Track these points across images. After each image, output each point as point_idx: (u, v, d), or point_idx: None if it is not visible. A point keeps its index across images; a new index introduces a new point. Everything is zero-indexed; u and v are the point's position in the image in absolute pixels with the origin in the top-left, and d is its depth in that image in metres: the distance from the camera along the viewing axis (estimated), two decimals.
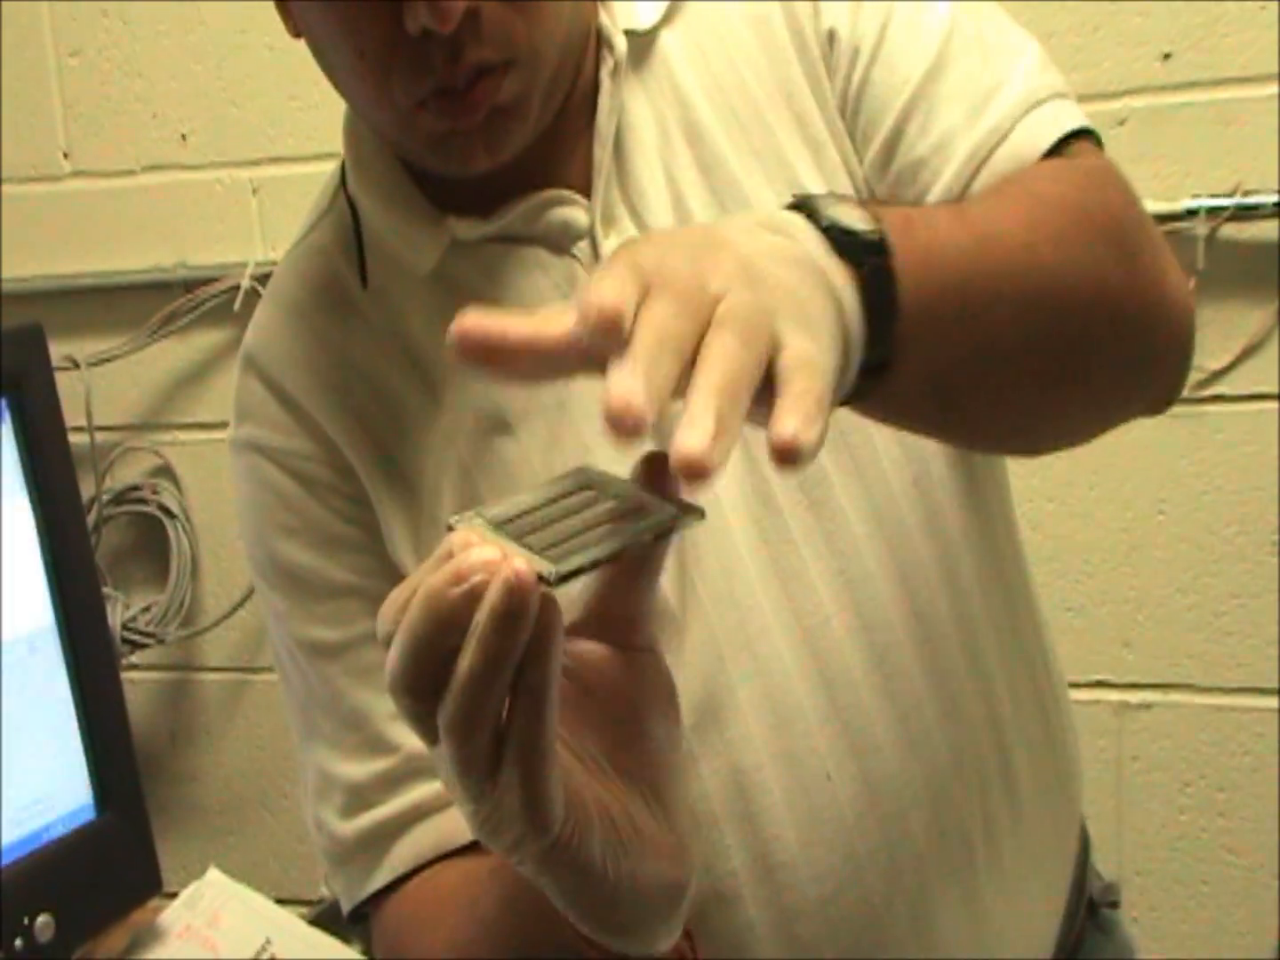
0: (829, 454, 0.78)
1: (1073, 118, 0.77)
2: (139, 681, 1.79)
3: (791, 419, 0.49)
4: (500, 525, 0.52)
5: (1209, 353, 1.38)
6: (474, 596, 0.49)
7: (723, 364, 0.49)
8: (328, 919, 1.34)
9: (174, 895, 1.26)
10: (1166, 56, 1.36)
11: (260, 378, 0.87)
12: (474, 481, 0.82)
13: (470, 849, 0.80)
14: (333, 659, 0.85)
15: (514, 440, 0.81)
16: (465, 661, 0.50)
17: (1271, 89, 1.34)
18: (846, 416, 0.63)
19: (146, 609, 1.76)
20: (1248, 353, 1.39)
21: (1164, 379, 0.75)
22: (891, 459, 0.80)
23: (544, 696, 0.50)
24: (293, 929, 1.25)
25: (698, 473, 0.47)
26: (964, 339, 0.63)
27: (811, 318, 0.53)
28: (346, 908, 0.86)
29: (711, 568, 0.79)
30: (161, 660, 1.79)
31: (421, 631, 0.51)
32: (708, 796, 0.79)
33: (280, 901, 1.27)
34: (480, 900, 0.75)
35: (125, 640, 1.72)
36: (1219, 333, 1.38)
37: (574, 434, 0.80)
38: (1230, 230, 1.36)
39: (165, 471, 1.76)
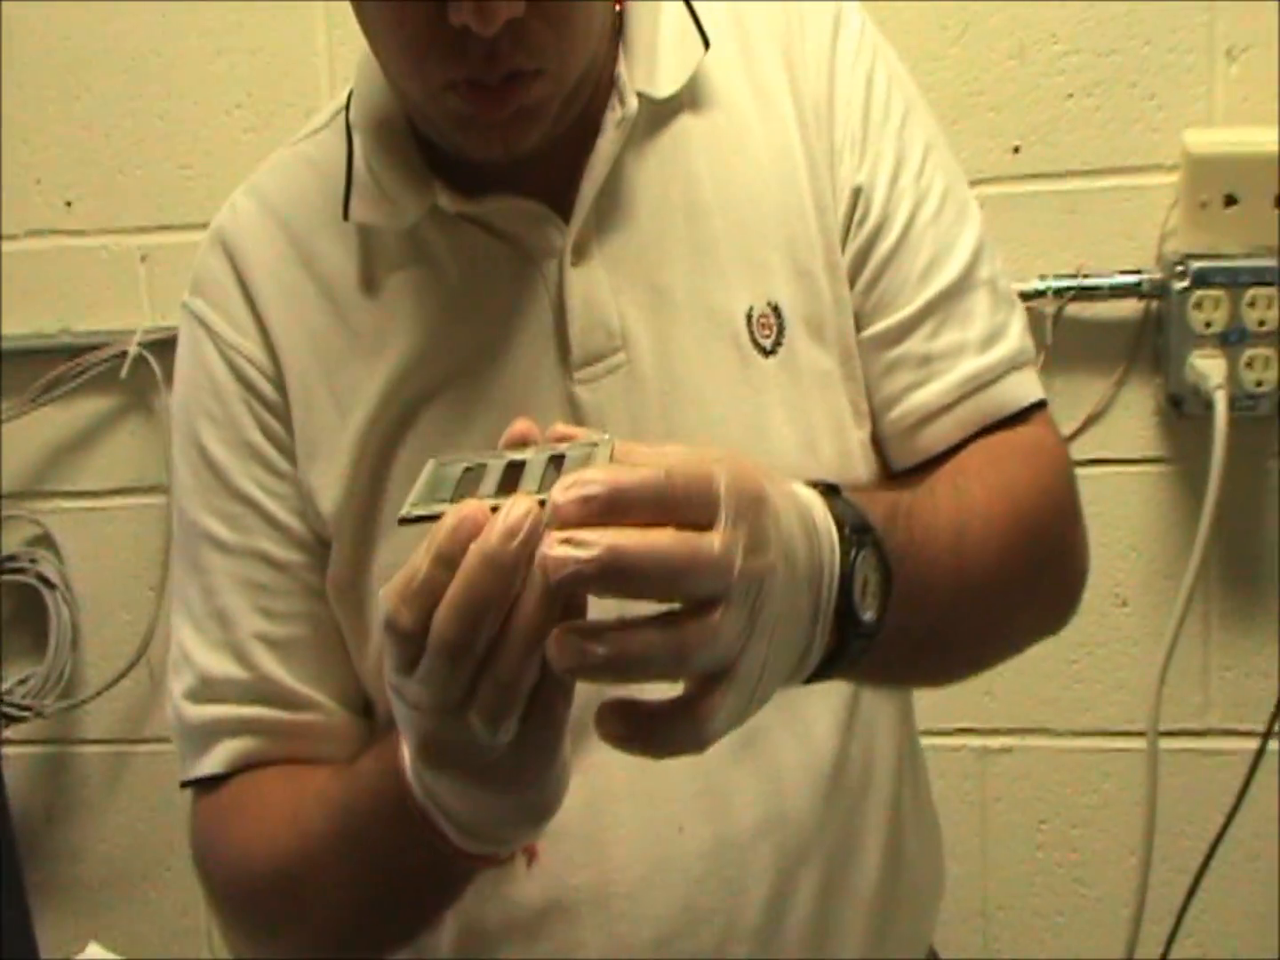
0: None
1: (1038, 388, 0.86)
2: (15, 756, 1.72)
3: (689, 724, 0.56)
4: (440, 465, 0.60)
5: (1058, 422, 1.44)
6: (528, 547, 0.55)
7: (663, 554, 0.54)
8: None
9: None
10: (1016, 149, 1.45)
11: (227, 260, 0.86)
12: (396, 438, 0.82)
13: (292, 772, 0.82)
14: (220, 554, 0.85)
15: (431, 406, 0.81)
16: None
17: (1109, 181, 1.43)
18: None
19: (23, 681, 1.70)
20: (1090, 421, 1.47)
21: (1067, 615, 0.87)
22: None
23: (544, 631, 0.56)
24: None
25: (555, 568, 0.53)
26: (909, 621, 0.70)
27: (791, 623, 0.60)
28: (180, 779, 0.88)
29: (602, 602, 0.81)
30: (39, 734, 1.73)
31: (486, 590, 0.55)
32: (564, 809, 0.80)
33: None
34: (301, 816, 0.77)
35: (1, 714, 1.66)
36: (1065, 403, 1.46)
37: (486, 406, 0.81)
38: (1074, 309, 1.44)
39: (45, 540, 1.71)
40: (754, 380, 0.82)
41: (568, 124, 0.79)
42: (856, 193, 0.83)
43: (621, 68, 0.82)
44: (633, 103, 0.81)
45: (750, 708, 0.59)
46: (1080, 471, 1.44)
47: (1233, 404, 1.36)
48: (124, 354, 1.61)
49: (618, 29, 0.83)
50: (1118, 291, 1.42)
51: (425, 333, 0.82)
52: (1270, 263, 1.36)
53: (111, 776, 1.74)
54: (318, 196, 0.85)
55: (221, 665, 0.85)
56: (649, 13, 0.84)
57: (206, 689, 0.86)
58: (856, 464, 0.84)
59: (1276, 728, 1.44)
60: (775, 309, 0.82)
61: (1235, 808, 1.46)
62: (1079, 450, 1.46)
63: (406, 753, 0.67)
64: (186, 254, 1.60)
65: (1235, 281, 1.36)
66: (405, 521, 0.58)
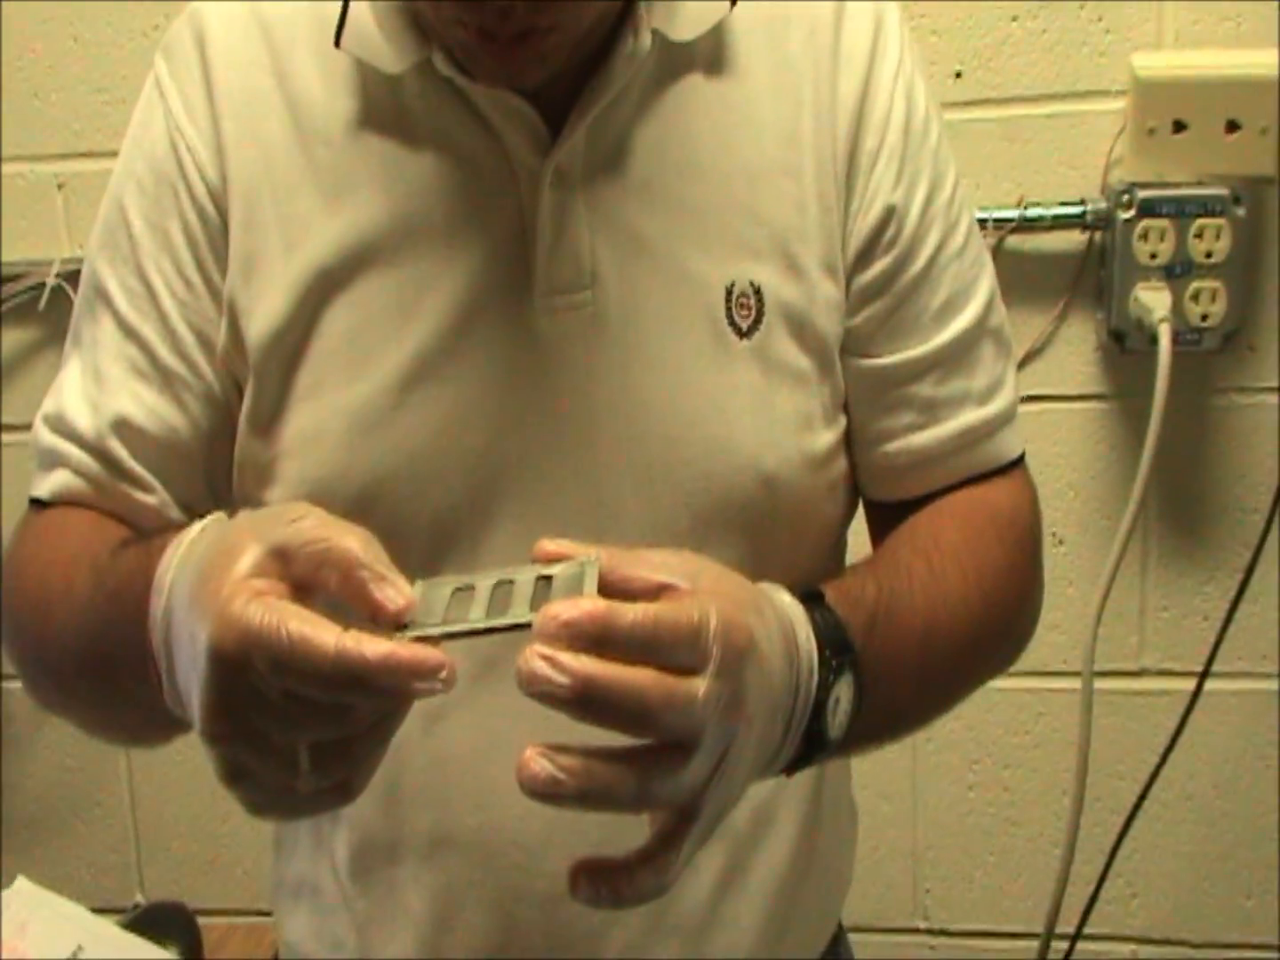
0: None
1: (1022, 441, 0.84)
2: None
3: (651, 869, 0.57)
4: (429, 587, 0.60)
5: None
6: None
7: (637, 694, 0.54)
8: (142, 924, 1.26)
9: None
10: (958, 75, 1.34)
11: (195, 41, 0.78)
12: (338, 287, 0.75)
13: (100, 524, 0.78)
14: (112, 322, 0.80)
15: (381, 270, 0.75)
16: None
17: (1053, 107, 1.33)
18: None
19: None
20: (1030, 356, 1.37)
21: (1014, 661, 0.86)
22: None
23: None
24: (105, 934, 1.17)
25: (529, 680, 0.53)
26: (871, 722, 0.70)
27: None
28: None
29: None
30: None
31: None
32: (463, 744, 0.77)
33: (95, 911, 1.18)
34: (80, 560, 0.74)
35: None
36: None
37: (435, 294, 0.74)
38: (1015, 241, 1.34)
39: None
40: (723, 358, 0.76)
41: (578, 59, 0.72)
42: (889, 211, 0.77)
43: (641, 5, 0.74)
44: (646, 39, 0.73)
45: (710, 835, 0.60)
46: (1020, 407, 1.38)
47: (1177, 338, 1.27)
48: (42, 285, 1.50)
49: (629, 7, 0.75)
50: (1060, 222, 1.32)
51: (388, 193, 0.75)
52: (1220, 191, 1.26)
53: (38, 712, 1.60)
54: (310, 19, 0.77)
55: (81, 415, 0.80)
56: None
57: (61, 424, 0.81)
58: (819, 466, 0.79)
59: (1212, 669, 1.36)
60: (757, 291, 0.76)
61: (1169, 748, 1.39)
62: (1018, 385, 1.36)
63: (160, 599, 0.63)
64: (106, 182, 1.52)
65: (1182, 212, 1.27)
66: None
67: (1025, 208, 1.32)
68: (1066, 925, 1.42)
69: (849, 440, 0.81)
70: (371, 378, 0.74)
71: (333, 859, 0.83)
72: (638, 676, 0.54)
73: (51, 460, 0.81)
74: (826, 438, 0.78)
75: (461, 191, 0.75)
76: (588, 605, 0.54)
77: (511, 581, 0.59)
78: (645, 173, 0.75)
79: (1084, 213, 1.30)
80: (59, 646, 0.74)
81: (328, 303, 0.75)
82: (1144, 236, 1.27)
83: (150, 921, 1.29)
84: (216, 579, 0.57)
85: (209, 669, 0.56)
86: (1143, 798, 1.40)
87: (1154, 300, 1.27)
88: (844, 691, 0.67)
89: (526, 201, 0.74)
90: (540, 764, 0.54)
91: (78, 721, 0.80)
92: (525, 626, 0.55)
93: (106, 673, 0.70)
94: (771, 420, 0.76)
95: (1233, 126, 1.24)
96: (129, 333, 0.79)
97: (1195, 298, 1.28)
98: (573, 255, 0.74)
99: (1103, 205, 1.30)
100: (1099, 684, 1.37)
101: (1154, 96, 1.26)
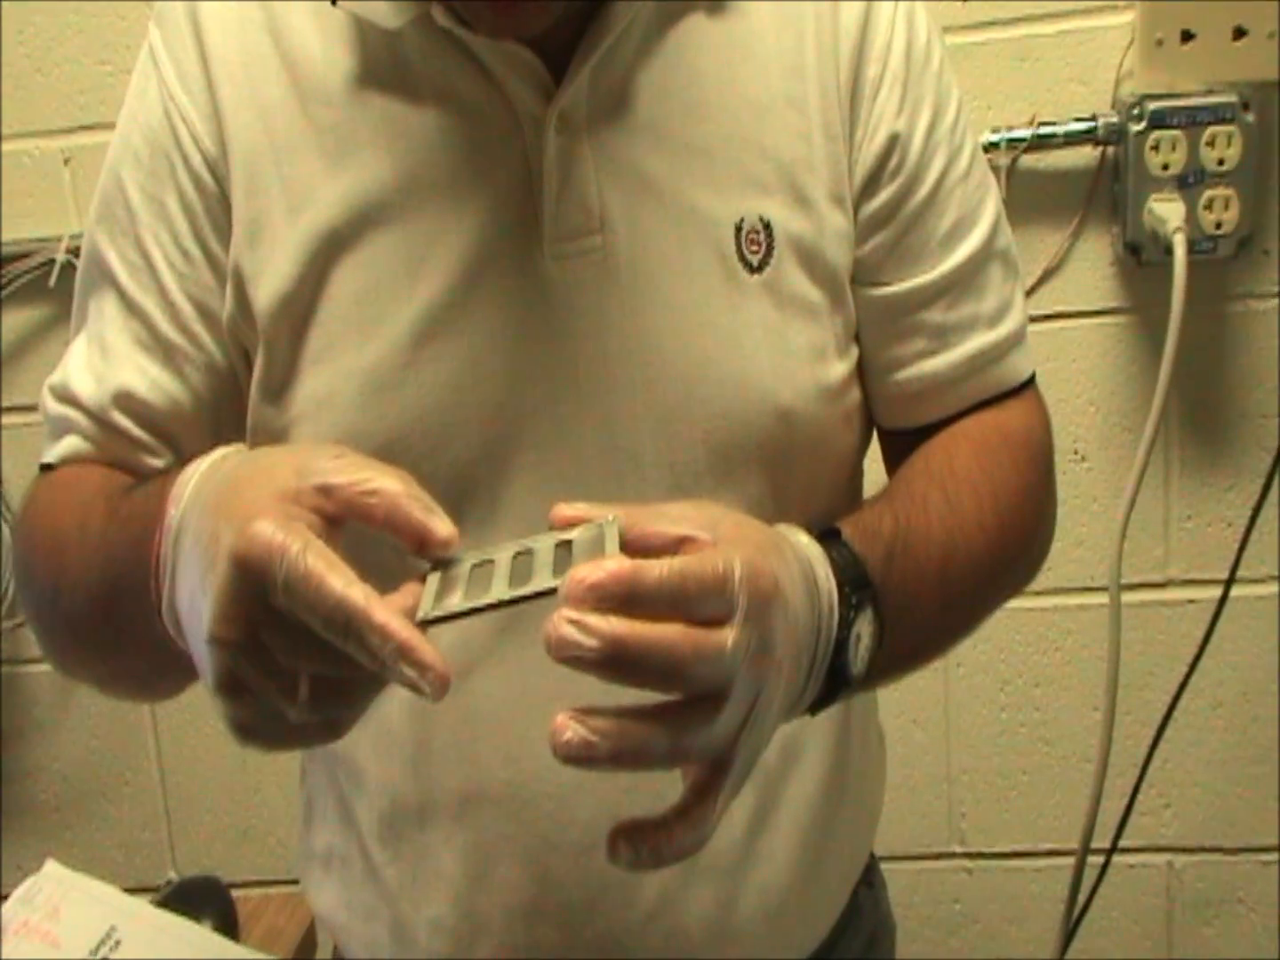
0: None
1: (1032, 361, 0.82)
2: None
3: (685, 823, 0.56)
4: (444, 569, 0.58)
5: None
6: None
7: (667, 650, 0.53)
8: (176, 900, 1.22)
9: None
10: None
11: (188, 7, 0.76)
12: (344, 248, 0.73)
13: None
14: (115, 296, 0.78)
15: (388, 229, 0.73)
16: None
17: (1061, 25, 1.31)
18: None
19: None
20: (1048, 274, 1.36)
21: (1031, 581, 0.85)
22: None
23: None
24: (139, 913, 1.13)
25: (558, 646, 0.52)
26: (893, 654, 0.70)
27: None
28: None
29: None
30: None
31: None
32: (493, 699, 0.75)
33: (128, 890, 1.13)
34: (89, 523, 0.73)
35: None
36: (1022, 257, 1.28)
37: (445, 249, 0.72)
38: (1029, 160, 1.33)
39: None
40: (735, 294, 0.74)
41: (578, 4, 0.70)
42: (894, 138, 0.76)
43: None
44: None
45: (743, 783, 0.59)
46: (1037, 327, 1.35)
47: (1192, 247, 1.27)
48: (52, 262, 1.46)
49: None
50: (1073, 139, 1.31)
51: (391, 150, 0.73)
52: (1229, 99, 1.26)
53: (63, 694, 1.60)
54: None
55: (85, 386, 0.79)
56: None
57: (66, 393, 0.80)
58: (834, 397, 0.77)
59: (1237, 575, 1.35)
60: (766, 226, 0.74)
61: (1198, 656, 1.39)
62: (1036, 305, 1.36)
63: (178, 510, 0.63)
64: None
65: (1193, 121, 1.26)
66: (427, 624, 0.55)
67: (1038, 126, 1.31)
68: (1102, 840, 1.41)
69: (861, 370, 0.79)
70: (383, 337, 0.72)
71: (359, 829, 0.81)
72: (666, 632, 0.53)
73: (60, 427, 0.80)
74: (840, 369, 0.77)
75: (466, 144, 0.73)
76: (612, 565, 0.53)
77: (530, 551, 0.58)
78: (650, 114, 0.73)
79: (1096, 128, 1.29)
80: (71, 584, 0.73)
81: (335, 264, 0.73)
82: (1156, 148, 1.27)
83: (184, 897, 1.25)
84: (253, 492, 0.57)
85: (228, 569, 0.55)
86: (1173, 708, 1.39)
87: (1168, 211, 1.26)
88: (865, 627, 0.66)
89: (532, 149, 0.72)
90: (573, 729, 0.53)
91: (90, 677, 0.79)
92: (550, 593, 0.54)
93: (113, 603, 0.69)
94: (786, 354, 0.75)
95: (1240, 33, 1.24)
96: (130, 306, 0.77)
97: (1209, 206, 1.27)
98: (580, 200, 0.72)
99: (1114, 119, 1.29)
100: (1126, 597, 1.36)
101: (1160, 7, 1.25)
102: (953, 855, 1.51)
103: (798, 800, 0.80)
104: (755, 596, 0.56)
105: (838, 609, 0.64)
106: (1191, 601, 1.41)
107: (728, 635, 0.54)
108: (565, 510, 0.58)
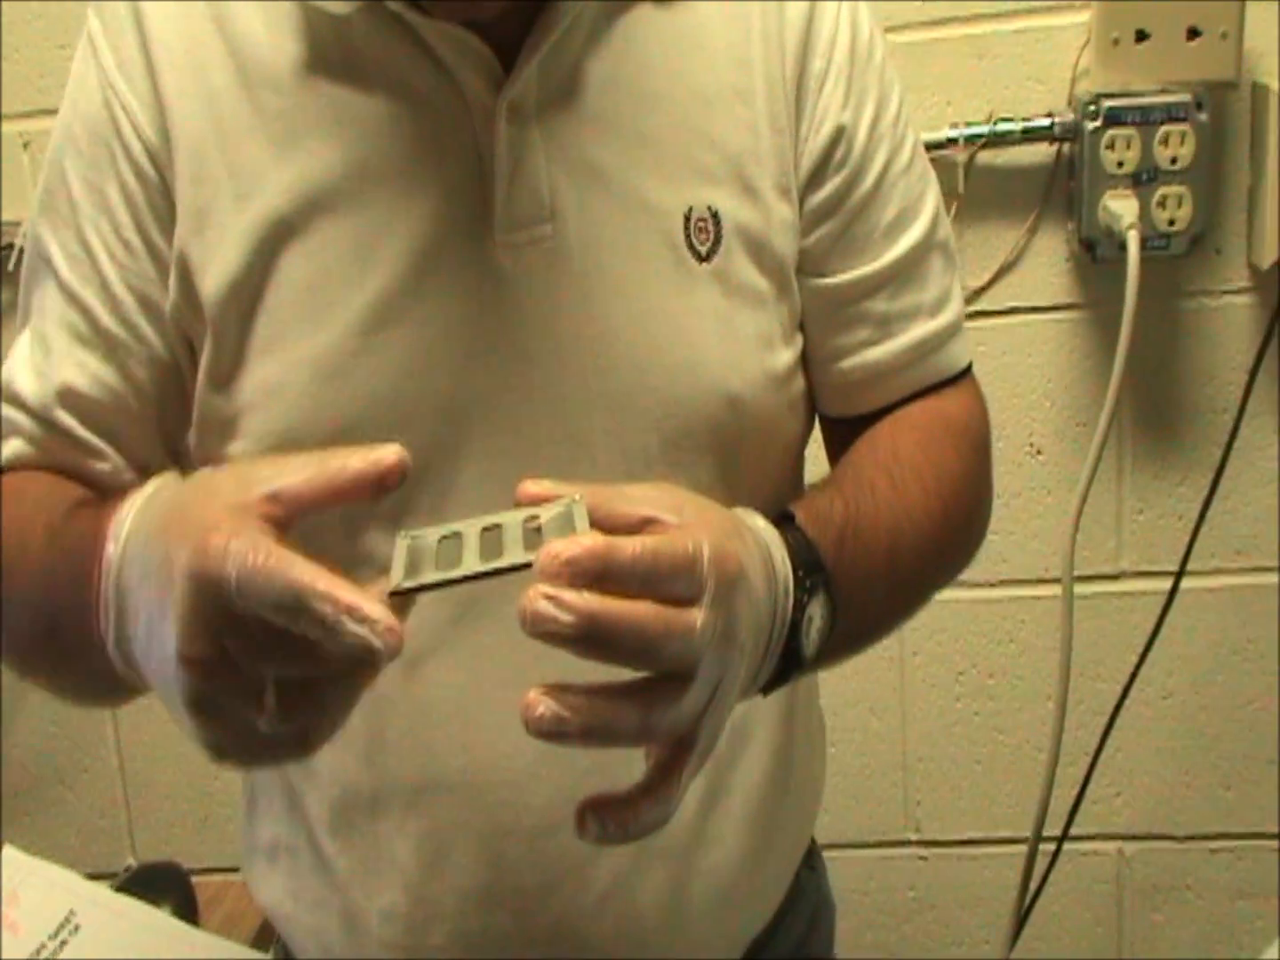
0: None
1: (969, 351, 0.84)
2: None
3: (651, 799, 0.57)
4: (411, 541, 0.58)
5: (970, 272, 1.36)
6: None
7: (639, 627, 0.54)
8: (135, 885, 1.22)
9: None
10: None
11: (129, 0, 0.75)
12: (291, 236, 0.72)
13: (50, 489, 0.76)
14: (55, 286, 0.76)
15: (337, 216, 0.72)
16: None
17: (1019, 23, 1.32)
18: None
19: None
20: (1004, 270, 1.37)
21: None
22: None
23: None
24: (97, 898, 1.13)
25: (534, 620, 0.53)
26: (843, 635, 0.71)
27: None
28: None
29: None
30: None
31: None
32: (445, 687, 0.75)
33: (88, 876, 1.13)
34: (30, 546, 0.72)
35: None
36: (978, 253, 1.36)
37: (391, 237, 0.72)
38: (986, 156, 1.34)
39: None
40: (685, 283, 0.74)
41: None
42: (839, 131, 0.77)
43: None
44: None
45: (705, 761, 0.60)
46: (993, 321, 1.38)
47: (1145, 244, 1.27)
48: (11, 246, 1.44)
49: None
50: (1030, 135, 1.32)
51: (340, 138, 0.72)
52: (1183, 98, 1.26)
53: (18, 682, 1.55)
54: None
55: (28, 384, 0.77)
56: None
57: (10, 393, 0.78)
58: (780, 385, 0.78)
59: (1187, 567, 1.37)
60: (714, 215, 0.75)
61: (1148, 647, 1.39)
62: (991, 300, 1.37)
63: (117, 547, 0.62)
64: None
65: (1147, 120, 1.27)
66: (398, 594, 0.55)
67: (995, 123, 1.31)
68: (1054, 828, 1.42)
69: (805, 358, 0.80)
70: (333, 325, 0.72)
71: (308, 819, 0.81)
72: (638, 610, 0.54)
73: (6, 429, 0.78)
74: (786, 356, 0.78)
75: (415, 132, 0.72)
76: (587, 542, 0.54)
77: (498, 525, 0.58)
78: (599, 104, 0.73)
79: (1052, 125, 1.30)
80: (12, 604, 0.73)
81: (283, 252, 0.72)
82: (1111, 146, 1.27)
83: (143, 883, 1.24)
84: (199, 511, 0.57)
85: (186, 585, 0.55)
86: (1124, 698, 1.41)
87: (1122, 208, 1.27)
88: (818, 610, 0.67)
89: (482, 138, 0.71)
90: (545, 704, 0.53)
91: (42, 685, 0.79)
92: (525, 567, 0.54)
93: (54, 633, 0.69)
94: (734, 341, 0.75)
95: (1193, 33, 1.24)
96: (71, 298, 0.75)
97: (1162, 203, 1.28)
98: (531, 189, 0.72)
99: (1070, 117, 1.30)
100: (1079, 589, 1.37)
101: (1116, 7, 1.25)
102: (908, 843, 1.51)
103: (746, 783, 0.81)
104: (722, 579, 0.56)
105: (793, 592, 0.66)
106: (1143, 593, 1.42)
107: (697, 615, 0.55)
108: (531, 487, 0.59)
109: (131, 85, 0.73)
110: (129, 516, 0.63)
